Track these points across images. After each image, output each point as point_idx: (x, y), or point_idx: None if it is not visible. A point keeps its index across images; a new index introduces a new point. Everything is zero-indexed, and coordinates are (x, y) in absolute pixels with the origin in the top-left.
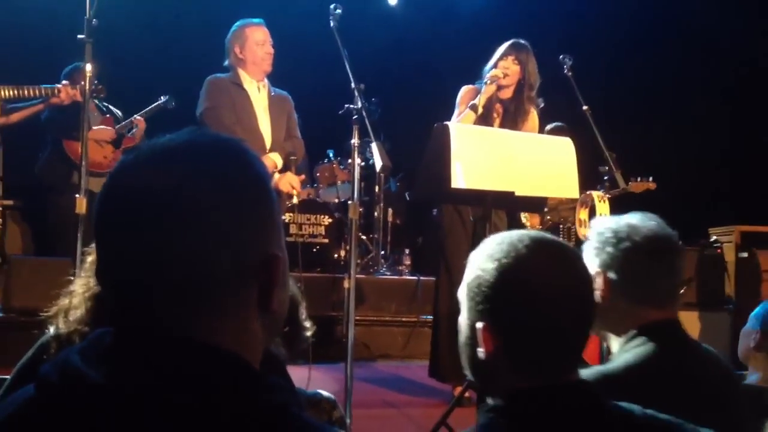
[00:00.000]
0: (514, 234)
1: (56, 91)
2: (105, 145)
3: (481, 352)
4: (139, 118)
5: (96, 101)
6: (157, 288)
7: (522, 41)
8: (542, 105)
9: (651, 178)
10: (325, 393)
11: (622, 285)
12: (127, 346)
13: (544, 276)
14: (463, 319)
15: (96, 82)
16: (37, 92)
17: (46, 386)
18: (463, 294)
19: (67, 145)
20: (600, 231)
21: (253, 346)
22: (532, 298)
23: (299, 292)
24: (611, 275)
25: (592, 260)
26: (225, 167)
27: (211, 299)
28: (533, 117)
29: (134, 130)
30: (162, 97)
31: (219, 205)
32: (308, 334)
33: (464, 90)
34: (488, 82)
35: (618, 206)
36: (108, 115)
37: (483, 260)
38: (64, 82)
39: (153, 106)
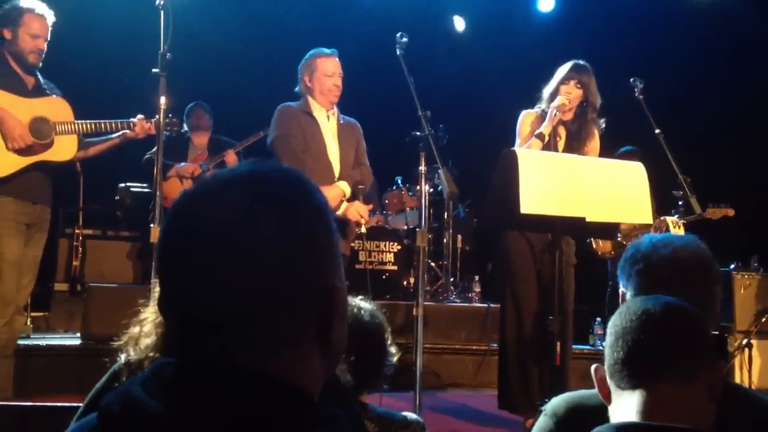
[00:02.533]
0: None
1: (132, 125)
2: (186, 182)
3: None
4: (230, 151)
5: (212, 135)
6: (217, 318)
7: (582, 62)
8: (604, 126)
9: (729, 204)
10: (413, 415)
11: None
12: (186, 378)
13: None
14: None
15: (170, 115)
16: (113, 126)
17: (108, 416)
18: None
19: (162, 185)
20: (629, 247)
21: (312, 376)
22: None
23: (384, 319)
24: (628, 296)
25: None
26: (286, 198)
27: (270, 330)
28: (596, 138)
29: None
30: (262, 132)
31: (280, 237)
32: (393, 360)
33: (524, 115)
34: (555, 113)
35: (694, 232)
36: (200, 152)
37: None
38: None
39: (243, 141)
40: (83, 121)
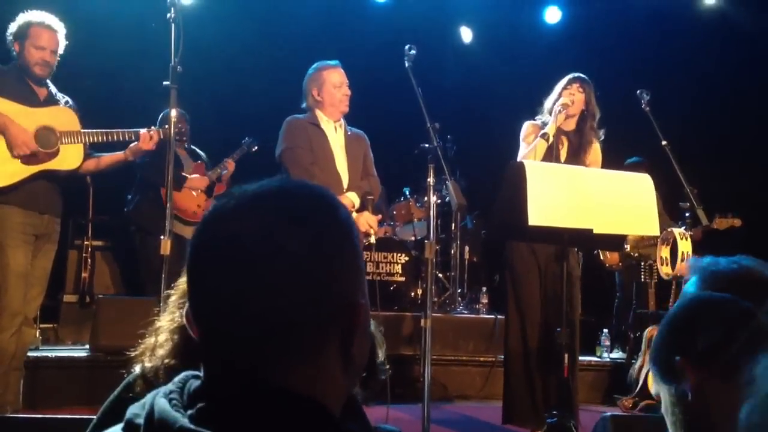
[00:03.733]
0: None
1: (137, 135)
2: (198, 194)
3: None
4: (229, 161)
5: (185, 147)
6: (242, 333)
7: (582, 74)
8: (603, 137)
9: (736, 215)
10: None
11: None
12: (211, 392)
13: None
14: None
15: (179, 126)
16: (119, 136)
17: (134, 428)
18: None
19: (163, 193)
20: None
21: (334, 392)
22: None
23: (380, 334)
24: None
25: None
26: (312, 216)
27: (293, 344)
28: (596, 148)
29: (223, 174)
30: (245, 139)
31: (305, 254)
32: (383, 376)
33: (528, 126)
34: (560, 110)
35: (701, 243)
36: (199, 161)
37: None
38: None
39: (238, 150)
40: (89, 131)
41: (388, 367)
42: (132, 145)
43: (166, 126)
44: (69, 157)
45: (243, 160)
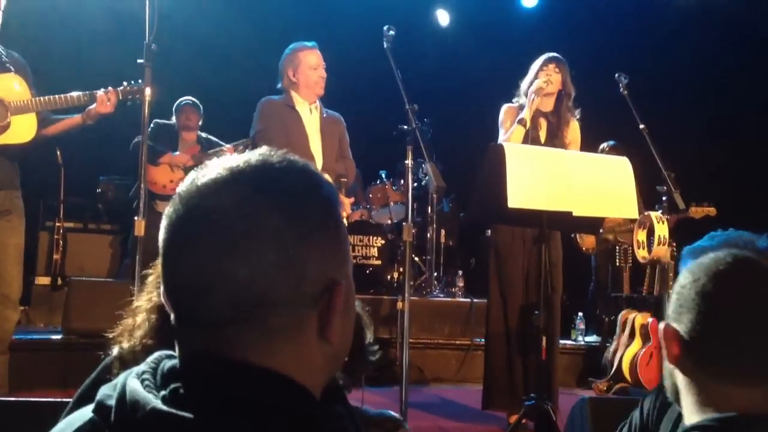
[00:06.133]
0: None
1: (94, 96)
2: (176, 170)
3: None
4: (229, 147)
5: (200, 133)
6: (216, 312)
7: (556, 54)
8: (579, 116)
9: (711, 203)
10: (390, 413)
11: None
12: (184, 371)
13: None
14: None
15: (132, 82)
16: (74, 100)
17: (105, 409)
18: None
19: (152, 170)
20: None
21: (312, 373)
22: None
23: (367, 315)
24: None
25: None
26: (294, 191)
27: (270, 324)
28: (574, 126)
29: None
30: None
31: (285, 229)
32: (373, 359)
33: (506, 108)
34: (535, 95)
35: (678, 227)
36: (192, 145)
37: None
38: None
39: (243, 142)
40: (41, 98)
41: (377, 347)
42: (89, 108)
43: (125, 84)
44: (21, 129)
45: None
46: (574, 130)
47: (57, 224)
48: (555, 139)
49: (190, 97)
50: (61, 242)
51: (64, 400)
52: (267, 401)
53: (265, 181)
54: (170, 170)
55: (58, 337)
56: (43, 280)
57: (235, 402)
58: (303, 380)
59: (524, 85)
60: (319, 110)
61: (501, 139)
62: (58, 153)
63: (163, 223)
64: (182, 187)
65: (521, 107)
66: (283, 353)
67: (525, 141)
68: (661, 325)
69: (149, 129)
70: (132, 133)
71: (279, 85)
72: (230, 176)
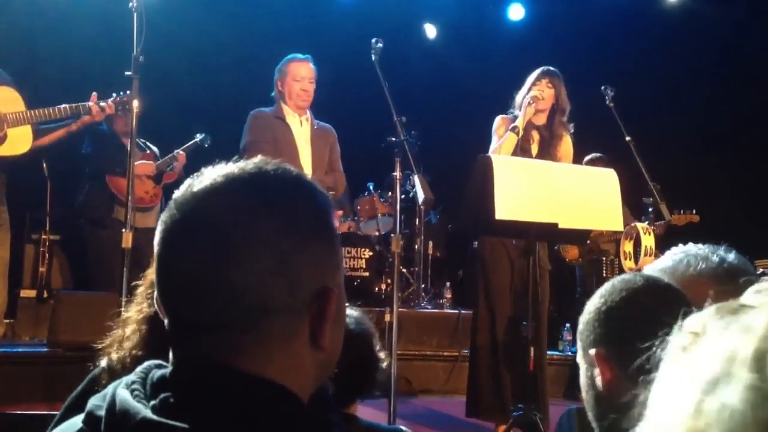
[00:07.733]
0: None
1: (87, 108)
2: (146, 180)
3: None
4: (180, 152)
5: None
6: (209, 318)
7: (552, 68)
8: (573, 131)
9: (694, 211)
10: (402, 428)
11: None
12: (177, 376)
13: None
14: None
15: (121, 93)
16: (68, 111)
17: (94, 419)
18: None
19: (109, 181)
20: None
21: (303, 380)
22: None
23: (371, 325)
24: None
25: None
26: (289, 199)
27: (263, 331)
28: (567, 141)
29: (174, 165)
30: (198, 135)
31: (280, 237)
32: (383, 366)
33: (499, 119)
34: (530, 102)
35: (665, 238)
36: (147, 152)
37: None
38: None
39: (190, 143)
40: (36, 110)
41: (384, 357)
42: (83, 117)
43: (114, 95)
44: (17, 142)
45: (196, 154)
46: (566, 145)
47: (43, 237)
48: (547, 154)
49: None
50: (47, 255)
51: (50, 413)
52: (260, 410)
53: (260, 189)
54: (140, 181)
55: (44, 350)
56: (29, 293)
57: (227, 411)
58: (294, 387)
59: (518, 97)
60: (310, 122)
61: (493, 146)
62: (44, 165)
63: (159, 228)
64: (178, 194)
65: (515, 118)
66: (275, 359)
67: (516, 151)
68: (592, 351)
69: (90, 138)
70: (79, 136)
71: (272, 94)
72: (226, 183)
